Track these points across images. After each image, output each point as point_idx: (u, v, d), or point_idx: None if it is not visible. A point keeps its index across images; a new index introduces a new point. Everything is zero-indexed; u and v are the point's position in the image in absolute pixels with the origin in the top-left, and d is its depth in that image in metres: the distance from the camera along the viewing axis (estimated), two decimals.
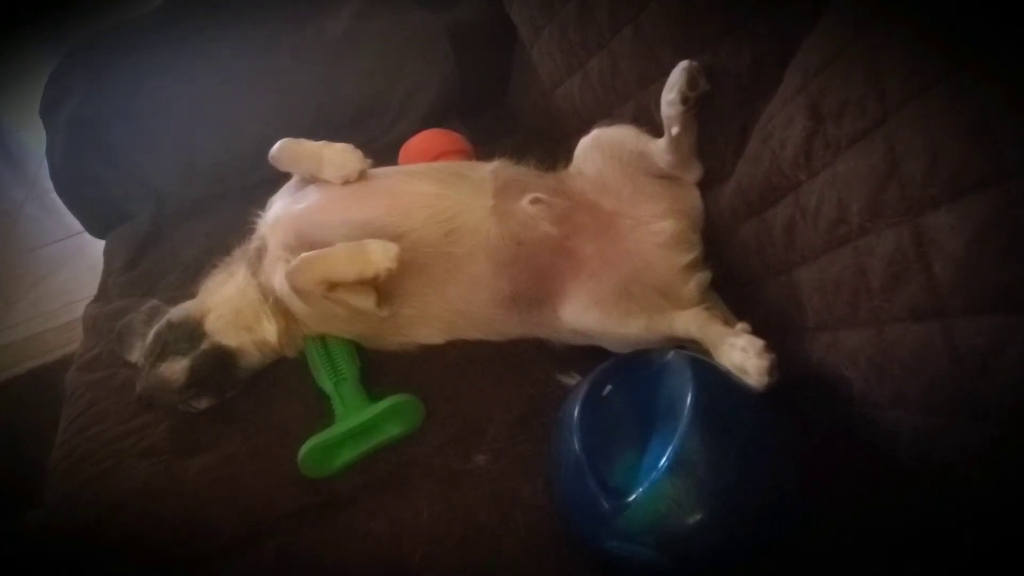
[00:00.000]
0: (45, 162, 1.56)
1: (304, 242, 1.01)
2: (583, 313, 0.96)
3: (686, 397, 0.70)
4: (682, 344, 0.91)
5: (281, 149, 1.07)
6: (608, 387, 0.78)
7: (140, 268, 1.40)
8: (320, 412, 1.00)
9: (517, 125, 1.47)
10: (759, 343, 0.80)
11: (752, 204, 0.88)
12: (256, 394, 1.07)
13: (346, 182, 1.03)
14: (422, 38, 1.50)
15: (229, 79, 1.48)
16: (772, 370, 0.78)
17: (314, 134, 1.07)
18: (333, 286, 0.96)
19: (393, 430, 0.96)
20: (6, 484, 1.42)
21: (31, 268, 2.52)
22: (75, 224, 1.70)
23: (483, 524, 0.86)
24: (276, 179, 1.14)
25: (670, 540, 0.70)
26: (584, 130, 1.07)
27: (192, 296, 1.13)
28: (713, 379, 0.77)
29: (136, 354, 1.12)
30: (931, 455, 0.66)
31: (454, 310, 1.02)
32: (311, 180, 1.08)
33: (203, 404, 1.05)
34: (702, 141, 0.96)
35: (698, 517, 0.68)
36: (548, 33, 1.20)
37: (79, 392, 1.20)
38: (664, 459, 0.67)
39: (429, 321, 1.04)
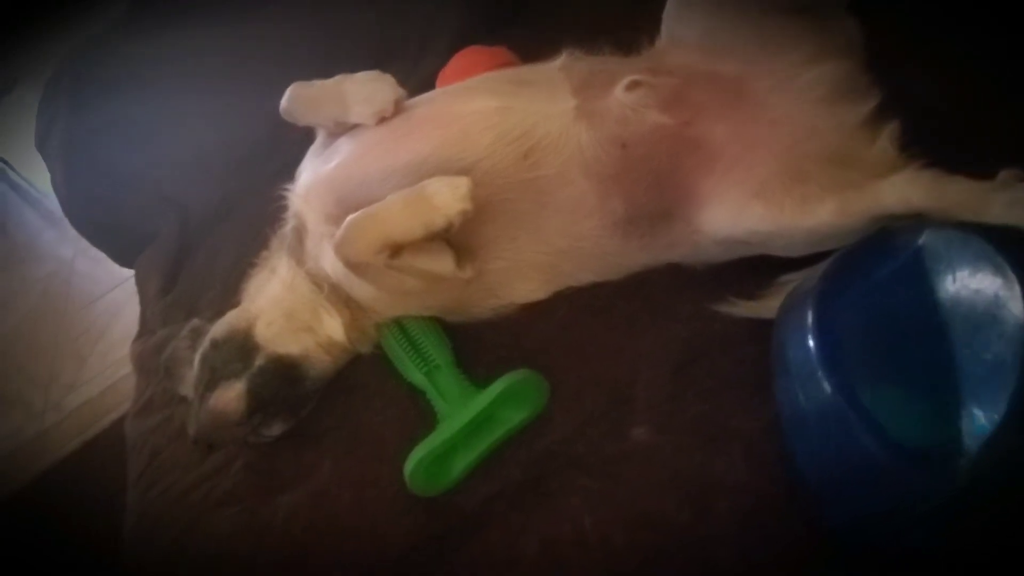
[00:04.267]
0: None
1: (347, 207, 0.81)
2: (740, 214, 0.72)
3: (995, 293, 0.42)
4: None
5: (293, 98, 0.87)
6: (835, 302, 0.51)
7: (177, 290, 1.25)
8: (418, 413, 0.82)
9: (566, 19, 1.19)
10: None
11: None
12: (336, 405, 0.89)
13: (381, 119, 0.83)
14: None
15: (220, 60, 1.32)
16: None
17: None
18: (397, 250, 0.75)
19: (514, 418, 0.77)
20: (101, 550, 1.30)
21: (94, 321, 2.53)
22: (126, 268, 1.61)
23: (673, 522, 0.64)
24: (301, 157, 0.94)
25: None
26: None
27: (237, 306, 0.93)
28: None
29: (189, 386, 0.93)
30: None
31: (555, 251, 0.82)
32: (339, 131, 0.86)
33: (276, 430, 0.87)
34: None
35: None
36: None
37: (140, 443, 1.06)
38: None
39: (526, 272, 0.84)
